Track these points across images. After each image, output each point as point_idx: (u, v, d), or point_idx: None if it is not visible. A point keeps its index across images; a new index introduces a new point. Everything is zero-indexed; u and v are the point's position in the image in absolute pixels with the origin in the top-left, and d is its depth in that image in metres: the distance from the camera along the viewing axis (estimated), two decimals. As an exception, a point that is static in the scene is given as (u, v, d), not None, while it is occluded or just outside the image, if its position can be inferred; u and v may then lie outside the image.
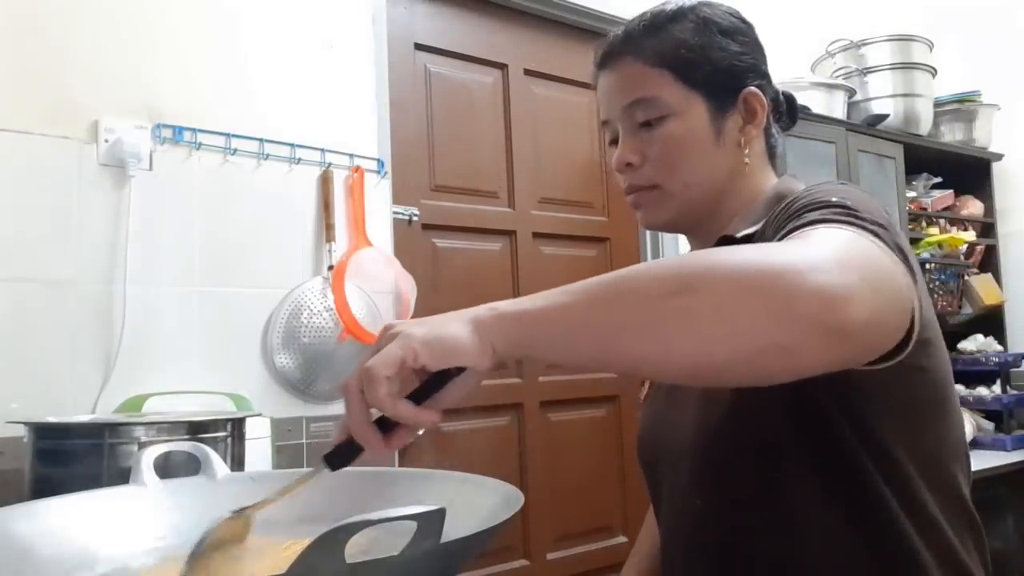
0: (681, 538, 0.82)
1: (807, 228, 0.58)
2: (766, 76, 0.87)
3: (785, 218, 0.66)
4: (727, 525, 0.76)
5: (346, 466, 0.59)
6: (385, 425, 0.56)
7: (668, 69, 0.82)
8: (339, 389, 0.55)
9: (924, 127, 2.81)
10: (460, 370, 0.56)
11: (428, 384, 0.56)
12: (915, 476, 0.69)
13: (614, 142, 0.87)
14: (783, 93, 0.91)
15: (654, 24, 0.84)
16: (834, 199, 0.64)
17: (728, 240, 0.78)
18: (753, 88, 0.84)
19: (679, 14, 0.84)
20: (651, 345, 0.51)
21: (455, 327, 0.54)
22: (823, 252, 0.52)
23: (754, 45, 0.87)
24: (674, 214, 0.85)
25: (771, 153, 0.89)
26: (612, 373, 0.58)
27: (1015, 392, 2.71)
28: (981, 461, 2.43)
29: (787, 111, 0.92)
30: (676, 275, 0.51)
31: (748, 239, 0.75)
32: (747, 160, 0.84)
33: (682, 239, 2.38)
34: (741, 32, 0.86)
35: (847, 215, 0.59)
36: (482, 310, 0.56)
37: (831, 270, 0.49)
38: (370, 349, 0.56)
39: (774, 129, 0.89)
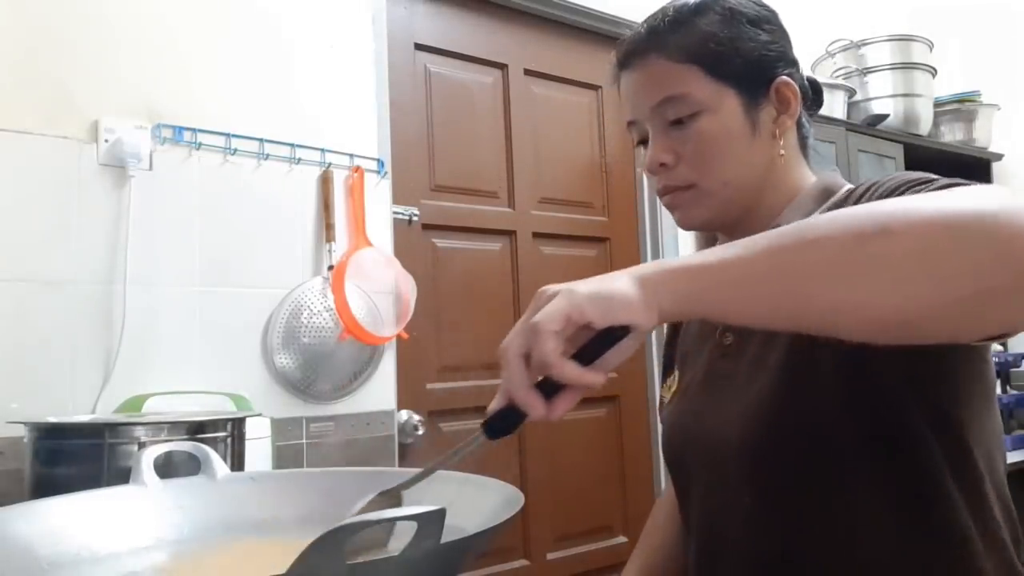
0: (725, 537, 0.78)
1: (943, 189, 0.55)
2: (795, 63, 0.85)
3: (895, 193, 0.63)
4: (779, 523, 0.73)
5: (507, 434, 0.54)
6: (547, 389, 0.52)
7: (697, 64, 0.79)
8: (499, 352, 0.51)
9: (924, 127, 2.81)
10: (624, 331, 0.52)
11: (592, 344, 0.53)
12: (981, 470, 0.69)
13: (643, 142, 0.84)
14: (808, 79, 0.88)
15: (678, 18, 0.81)
16: (935, 177, 0.61)
17: None
18: (784, 77, 0.82)
19: (703, 6, 0.81)
20: (845, 292, 0.48)
21: (621, 283, 0.51)
22: (1014, 197, 0.47)
23: (780, 32, 0.85)
24: (713, 213, 0.82)
25: (803, 144, 0.86)
26: (793, 328, 0.54)
27: (1015, 392, 2.71)
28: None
29: (813, 97, 0.89)
30: (869, 220, 0.48)
31: None
32: (783, 152, 0.82)
33: (683, 240, 2.39)
34: (767, 20, 0.83)
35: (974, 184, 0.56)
36: (647, 267, 0.53)
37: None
38: (526, 313, 0.52)
39: (804, 119, 0.86)
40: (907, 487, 0.68)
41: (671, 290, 0.52)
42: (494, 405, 0.54)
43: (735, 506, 0.76)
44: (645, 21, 0.83)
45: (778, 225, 0.71)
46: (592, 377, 0.52)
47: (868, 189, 0.71)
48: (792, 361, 0.72)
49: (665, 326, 0.97)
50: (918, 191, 0.60)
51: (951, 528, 0.67)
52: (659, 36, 0.81)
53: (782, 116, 0.82)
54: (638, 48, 0.82)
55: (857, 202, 0.69)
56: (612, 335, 0.52)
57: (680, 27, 0.80)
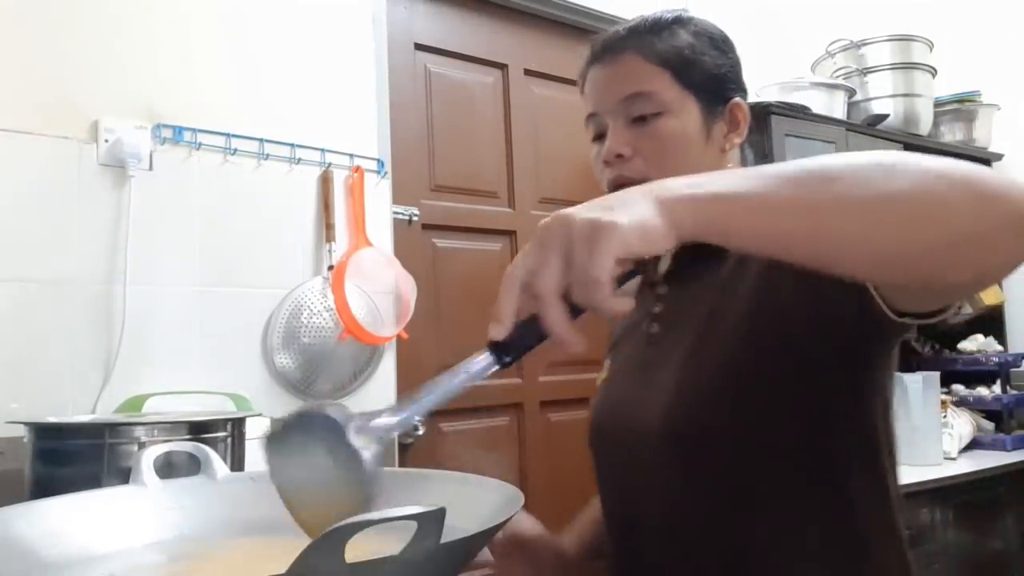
0: (644, 519, 0.84)
1: None
2: (746, 92, 0.92)
3: None
4: (696, 504, 0.78)
5: (516, 361, 0.53)
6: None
7: (667, 68, 0.85)
8: (534, 296, 0.50)
9: (924, 127, 2.81)
10: (640, 263, 0.53)
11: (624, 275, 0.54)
12: (886, 460, 0.78)
13: (599, 137, 0.88)
14: (751, 107, 0.95)
15: (656, 25, 0.87)
16: None
17: None
18: (739, 100, 0.89)
19: (679, 21, 0.88)
20: (857, 224, 0.51)
21: (650, 211, 0.51)
22: (982, 168, 0.54)
23: (737, 60, 0.92)
24: None
25: (744, 165, 0.93)
26: (799, 259, 0.55)
27: (1015, 392, 2.71)
28: (981, 461, 2.43)
29: (753, 123, 0.95)
30: (878, 163, 0.52)
31: None
32: (730, 166, 0.89)
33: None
34: (729, 47, 0.91)
35: None
36: (666, 189, 0.53)
37: (1001, 176, 0.53)
38: (550, 245, 0.50)
39: (746, 144, 0.92)
40: (820, 477, 0.75)
41: (695, 214, 0.52)
42: (500, 329, 0.53)
43: (654, 488, 0.81)
44: (624, 24, 0.90)
45: None
46: (623, 305, 0.51)
47: None
48: (713, 355, 0.78)
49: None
50: None
51: (859, 515, 0.75)
52: (638, 36, 0.87)
53: (731, 134, 0.89)
54: (616, 44, 0.88)
55: None
56: (639, 265, 0.53)
57: (658, 32, 0.87)
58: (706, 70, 0.87)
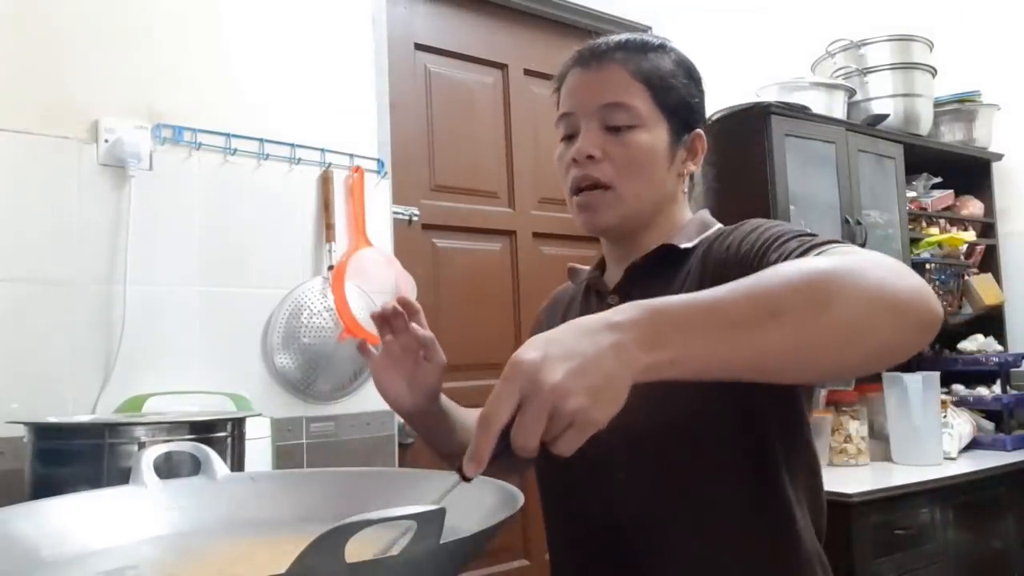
0: (598, 506, 0.87)
1: (821, 248, 0.70)
2: (707, 126, 0.97)
3: (766, 246, 0.78)
4: (649, 498, 0.83)
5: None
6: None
7: (648, 87, 0.89)
8: (534, 402, 0.54)
9: (924, 127, 2.81)
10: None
11: None
12: (805, 462, 0.86)
13: (570, 137, 0.91)
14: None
15: (644, 45, 0.92)
16: (796, 229, 0.78)
17: (671, 248, 0.90)
18: (700, 131, 0.94)
19: (663, 47, 0.94)
20: (799, 357, 0.59)
21: (614, 370, 0.55)
22: (887, 262, 0.62)
23: (704, 96, 0.97)
24: (619, 220, 0.90)
25: (691, 189, 0.98)
26: (741, 379, 0.61)
27: (1015, 392, 2.71)
28: (981, 461, 2.43)
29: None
30: (815, 290, 0.59)
31: (688, 251, 0.89)
32: (685, 190, 0.95)
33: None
34: (701, 82, 0.96)
35: (828, 237, 0.73)
36: (623, 336, 0.56)
37: (907, 274, 0.61)
38: (533, 415, 0.54)
39: (698, 172, 0.98)
40: (755, 472, 0.82)
41: (649, 368, 0.56)
42: (469, 472, 0.56)
43: (609, 481, 0.84)
44: (612, 37, 0.94)
45: (665, 244, 0.89)
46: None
47: (752, 234, 0.83)
48: None
49: (549, 315, 1.08)
50: (805, 246, 0.72)
51: (786, 509, 0.82)
52: (625, 51, 0.91)
53: (688, 161, 0.94)
54: (603, 54, 0.91)
55: (727, 241, 0.84)
56: None
57: (644, 52, 0.92)
58: (680, 97, 0.92)
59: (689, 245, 0.90)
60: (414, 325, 0.89)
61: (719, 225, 0.95)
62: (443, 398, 0.96)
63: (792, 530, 0.82)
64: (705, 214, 0.97)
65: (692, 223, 0.94)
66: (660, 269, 0.90)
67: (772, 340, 0.57)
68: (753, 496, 0.82)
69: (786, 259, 0.72)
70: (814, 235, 0.76)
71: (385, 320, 0.90)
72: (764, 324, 0.57)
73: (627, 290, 0.92)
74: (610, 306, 0.90)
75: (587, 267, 1.05)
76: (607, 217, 0.90)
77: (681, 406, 0.80)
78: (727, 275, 0.77)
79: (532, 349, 0.55)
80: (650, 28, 2.38)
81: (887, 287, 0.59)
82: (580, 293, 1.03)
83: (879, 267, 0.61)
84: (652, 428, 0.81)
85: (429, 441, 0.97)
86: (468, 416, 1.00)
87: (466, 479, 0.57)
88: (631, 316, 0.57)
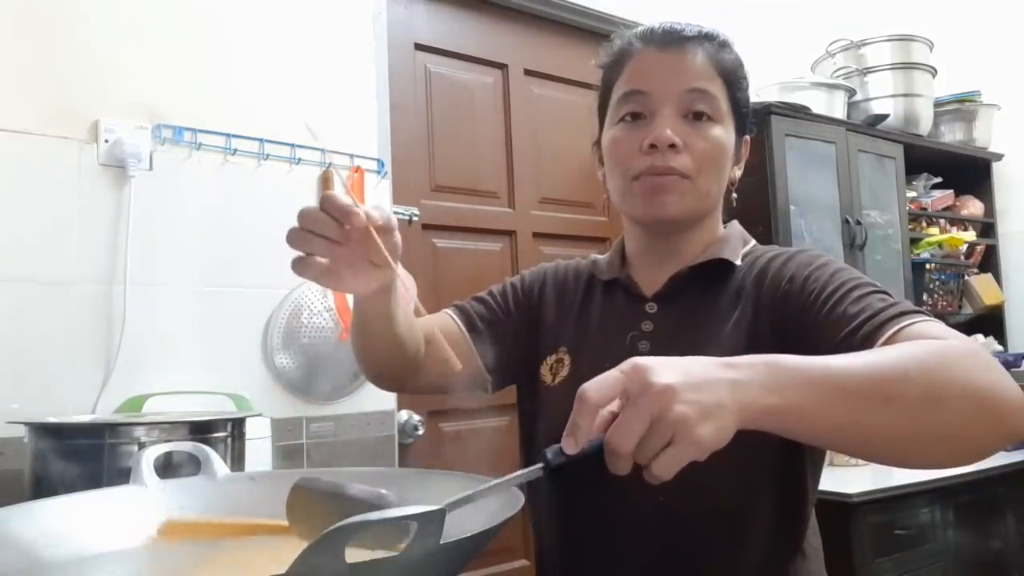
0: (635, 527, 0.82)
1: (908, 318, 0.69)
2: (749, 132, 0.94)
3: (838, 293, 0.75)
4: (691, 523, 0.80)
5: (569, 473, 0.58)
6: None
7: (726, 83, 0.86)
8: (640, 400, 0.53)
9: (924, 127, 2.81)
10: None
11: None
12: (817, 484, 0.87)
13: (636, 115, 0.85)
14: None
15: (721, 41, 0.87)
16: (863, 278, 0.77)
17: (724, 262, 0.86)
18: (747, 137, 0.92)
19: (731, 46, 0.89)
20: (902, 447, 0.60)
21: (727, 416, 0.55)
22: (993, 363, 0.64)
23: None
24: (687, 213, 0.85)
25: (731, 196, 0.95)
26: (840, 450, 0.66)
27: (1015, 392, 2.71)
28: (981, 461, 2.42)
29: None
30: (931, 384, 0.59)
31: (737, 268, 0.86)
32: (735, 195, 0.92)
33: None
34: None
35: (910, 306, 0.72)
36: (744, 394, 0.56)
37: (1010, 381, 0.62)
38: (635, 416, 0.53)
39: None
40: (787, 495, 0.82)
41: (759, 411, 0.56)
42: (567, 448, 0.56)
43: (647, 503, 0.80)
44: (691, 25, 0.87)
45: (717, 257, 0.86)
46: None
47: (791, 262, 0.83)
48: None
49: (512, 291, 1.02)
50: (883, 310, 0.71)
51: (810, 529, 0.85)
52: (708, 40, 0.86)
53: (735, 167, 0.91)
54: (687, 39, 0.85)
55: (783, 271, 0.82)
56: None
57: (723, 46, 0.87)
58: (745, 99, 0.89)
59: (739, 262, 0.87)
60: (371, 214, 0.71)
61: (754, 241, 0.93)
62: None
63: (813, 545, 0.85)
64: (740, 227, 0.94)
65: (734, 236, 0.91)
66: (707, 282, 0.87)
67: (881, 423, 0.58)
68: (784, 518, 0.82)
69: (871, 318, 0.70)
70: (887, 292, 0.75)
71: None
72: (877, 406, 0.58)
73: (670, 298, 0.88)
74: (647, 313, 0.89)
75: (604, 256, 1.00)
76: (678, 206, 0.84)
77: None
78: (787, 310, 0.79)
79: (652, 359, 0.55)
80: (650, 28, 2.38)
81: (998, 393, 0.60)
82: (600, 287, 0.96)
83: (990, 370, 0.62)
84: None
85: (370, 331, 0.85)
86: (419, 319, 0.92)
87: (547, 467, 0.56)
88: (749, 361, 0.58)
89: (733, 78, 0.86)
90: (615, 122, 0.87)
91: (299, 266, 0.74)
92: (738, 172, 0.91)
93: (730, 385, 0.55)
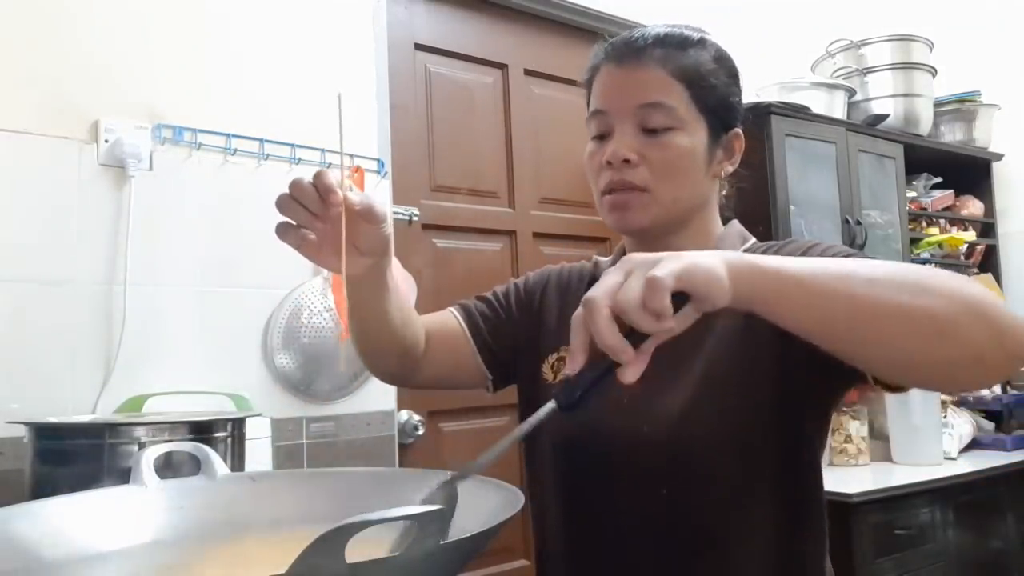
0: (638, 520, 0.83)
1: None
2: (744, 123, 0.93)
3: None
4: (697, 514, 0.81)
5: (584, 405, 0.56)
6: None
7: (687, 87, 0.85)
8: (587, 305, 0.54)
9: (924, 127, 2.81)
10: (686, 299, 0.57)
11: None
12: (821, 469, 0.87)
13: (601, 136, 0.88)
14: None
15: (684, 42, 0.87)
16: (850, 249, 0.78)
17: None
18: (739, 130, 0.91)
19: (705, 43, 0.89)
20: (889, 328, 0.58)
21: (719, 267, 0.56)
22: (991, 293, 0.62)
23: (742, 92, 0.93)
24: (652, 222, 0.87)
25: (722, 191, 0.95)
26: (832, 348, 0.62)
27: (1015, 392, 2.71)
28: (981, 461, 2.43)
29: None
30: (916, 279, 0.59)
31: None
32: (723, 192, 0.93)
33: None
34: (739, 78, 0.92)
35: None
36: (735, 257, 0.58)
37: (1008, 310, 0.60)
38: (614, 272, 0.56)
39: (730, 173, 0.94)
40: (796, 485, 0.83)
41: (753, 285, 0.58)
42: (568, 370, 0.56)
43: (650, 496, 0.82)
44: (649, 30, 0.88)
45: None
46: (671, 324, 0.55)
47: (786, 248, 0.84)
48: (715, 371, 0.81)
49: (515, 292, 1.04)
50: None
51: (820, 522, 0.85)
52: (664, 47, 0.86)
53: (725, 162, 0.90)
54: (642, 49, 0.86)
55: (778, 253, 0.82)
56: (685, 299, 0.56)
57: (684, 48, 0.87)
58: (720, 96, 0.88)
59: None
60: (348, 195, 0.77)
61: (754, 239, 0.93)
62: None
63: (823, 544, 0.85)
64: (739, 225, 0.94)
65: (732, 234, 0.91)
66: None
67: (867, 295, 0.57)
68: (793, 508, 0.82)
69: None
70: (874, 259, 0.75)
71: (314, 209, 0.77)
72: (860, 284, 0.58)
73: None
74: None
75: (607, 258, 1.01)
76: (640, 218, 0.86)
77: (725, 419, 0.79)
78: None
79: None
80: (650, 28, 2.38)
81: (991, 306, 0.59)
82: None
83: (985, 291, 0.61)
84: (695, 442, 0.80)
85: (362, 321, 0.88)
86: (422, 316, 0.96)
87: (560, 407, 0.56)
88: (741, 262, 0.58)
89: (696, 78, 0.86)
90: (589, 139, 0.91)
91: (281, 230, 0.81)
92: (730, 167, 0.91)
93: (716, 254, 0.58)
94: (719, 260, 0.57)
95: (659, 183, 0.85)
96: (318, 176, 0.76)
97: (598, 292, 0.54)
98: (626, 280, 0.55)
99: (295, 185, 0.77)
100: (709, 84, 0.86)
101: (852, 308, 0.58)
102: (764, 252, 0.85)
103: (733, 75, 0.90)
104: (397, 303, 0.88)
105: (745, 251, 0.88)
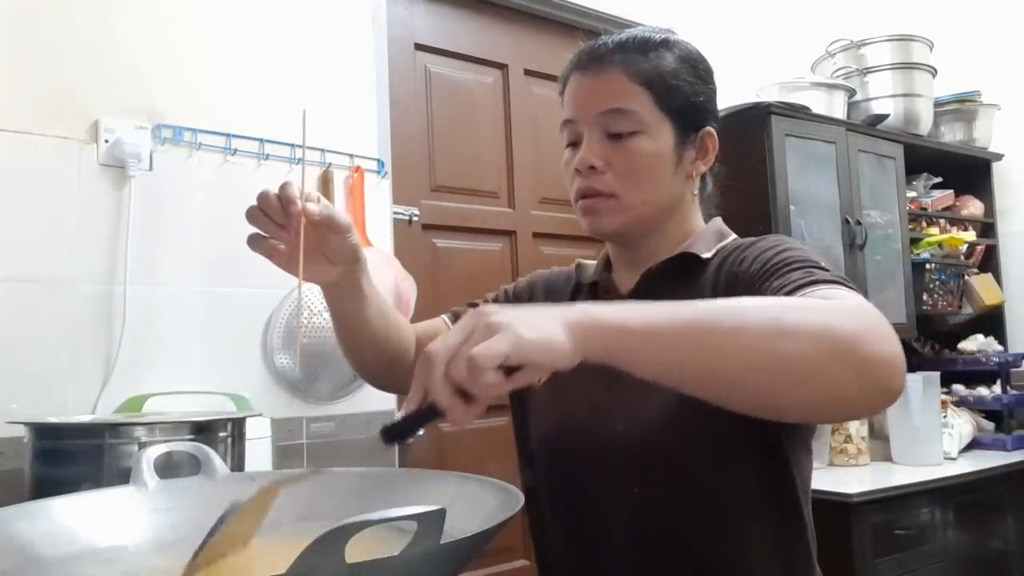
0: (613, 520, 0.84)
1: (820, 286, 0.69)
2: (719, 121, 0.93)
3: (772, 270, 0.76)
4: (669, 513, 0.82)
5: (404, 439, 0.59)
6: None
7: (649, 90, 0.86)
8: (425, 358, 0.54)
9: (924, 127, 2.81)
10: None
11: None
12: (806, 469, 0.86)
13: (574, 144, 0.91)
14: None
15: (645, 45, 0.88)
16: (809, 257, 0.76)
17: (690, 256, 0.88)
18: (711, 128, 0.91)
19: (668, 43, 0.90)
20: (743, 378, 0.58)
21: (555, 330, 0.55)
22: (874, 321, 0.60)
23: (715, 90, 0.93)
24: (623, 226, 0.89)
25: (702, 191, 0.95)
26: (699, 395, 0.61)
27: (1015, 392, 2.71)
28: (981, 461, 2.43)
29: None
30: (781, 324, 0.58)
31: (707, 261, 0.87)
32: (695, 193, 0.93)
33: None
34: (710, 76, 0.92)
35: (835, 276, 0.71)
36: (576, 315, 0.56)
37: (888, 339, 0.59)
38: (459, 329, 0.55)
39: (709, 172, 0.95)
40: (771, 484, 0.83)
41: (600, 344, 0.56)
42: (402, 412, 0.57)
43: (623, 495, 0.83)
44: (613, 36, 0.90)
45: (684, 252, 0.88)
46: (502, 389, 0.55)
47: (759, 255, 0.81)
48: None
49: (504, 298, 1.08)
50: (800, 280, 0.71)
51: (799, 521, 0.84)
52: (624, 53, 0.88)
53: (698, 161, 0.91)
54: (603, 56, 0.88)
55: (742, 256, 0.83)
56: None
57: (644, 52, 0.88)
58: (685, 96, 0.88)
59: (708, 255, 0.88)
60: (307, 206, 0.78)
61: (734, 236, 0.93)
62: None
63: (803, 540, 0.84)
64: (720, 223, 0.95)
65: (709, 231, 0.92)
66: (677, 276, 0.88)
67: (720, 346, 0.57)
68: (769, 507, 0.82)
69: (782, 288, 0.71)
70: (823, 269, 0.73)
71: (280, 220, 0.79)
72: (718, 333, 0.57)
73: (644, 294, 0.90)
74: None
75: (592, 261, 1.03)
76: (611, 223, 0.88)
77: (697, 418, 0.78)
78: (735, 292, 0.79)
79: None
80: (650, 28, 2.38)
81: (858, 342, 0.57)
82: (585, 291, 1.00)
83: (862, 323, 0.59)
84: (667, 441, 0.81)
85: (346, 320, 0.89)
86: (413, 324, 0.99)
87: (384, 440, 0.57)
88: (584, 319, 0.57)
89: (658, 80, 0.86)
90: (563, 148, 0.94)
91: (252, 241, 0.82)
92: (703, 166, 0.92)
93: (558, 316, 0.56)
94: (558, 324, 0.55)
95: (625, 187, 0.86)
96: (282, 187, 0.77)
97: (438, 350, 0.54)
98: (465, 341, 0.54)
99: (262, 197, 0.78)
100: (672, 86, 0.87)
101: (707, 358, 0.57)
102: (735, 250, 0.86)
103: (700, 74, 0.90)
104: (379, 310, 0.90)
105: (720, 248, 0.89)
